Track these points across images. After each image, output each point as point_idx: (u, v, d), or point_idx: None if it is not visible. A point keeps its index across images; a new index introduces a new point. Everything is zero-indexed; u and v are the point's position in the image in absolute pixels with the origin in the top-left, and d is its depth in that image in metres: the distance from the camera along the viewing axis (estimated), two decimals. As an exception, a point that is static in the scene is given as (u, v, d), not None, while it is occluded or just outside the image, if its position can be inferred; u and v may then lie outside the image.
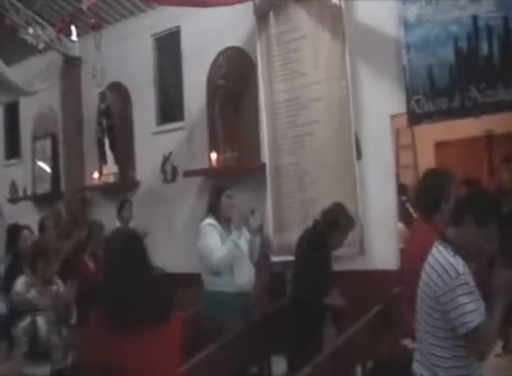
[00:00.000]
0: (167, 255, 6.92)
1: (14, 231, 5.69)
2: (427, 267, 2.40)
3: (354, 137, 5.32)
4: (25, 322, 3.66)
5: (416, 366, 2.45)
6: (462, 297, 2.21)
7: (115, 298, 2.41)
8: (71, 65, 8.28)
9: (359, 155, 5.38)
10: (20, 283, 3.84)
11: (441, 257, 2.33)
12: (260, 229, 4.68)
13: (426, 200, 3.27)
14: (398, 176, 5.97)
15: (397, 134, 5.75)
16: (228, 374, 4.01)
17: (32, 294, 3.79)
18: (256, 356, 4.50)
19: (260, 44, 6.04)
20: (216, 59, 6.66)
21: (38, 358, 3.72)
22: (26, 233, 5.57)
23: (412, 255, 3.03)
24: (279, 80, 5.89)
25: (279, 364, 4.30)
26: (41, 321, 3.69)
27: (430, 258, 2.40)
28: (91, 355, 2.50)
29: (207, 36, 6.63)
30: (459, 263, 2.27)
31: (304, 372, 3.09)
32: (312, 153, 5.62)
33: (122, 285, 2.44)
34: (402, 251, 4.76)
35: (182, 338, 2.62)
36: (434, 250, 2.41)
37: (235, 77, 6.52)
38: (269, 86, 5.96)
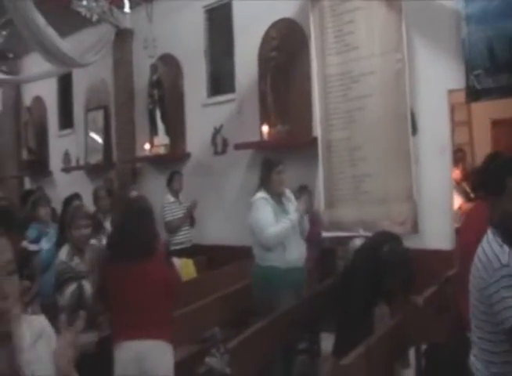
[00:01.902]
0: (217, 227, 7.02)
1: (67, 201, 5.81)
2: (475, 257, 2.26)
3: (409, 112, 5.19)
4: (71, 287, 3.71)
5: (471, 361, 2.34)
6: (505, 290, 2.06)
7: (114, 242, 3.62)
8: (123, 37, 8.31)
9: (414, 131, 5.24)
10: (64, 251, 3.90)
11: (487, 246, 2.19)
12: (306, 212, 4.65)
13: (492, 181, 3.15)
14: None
15: (452, 110, 5.56)
16: (277, 349, 4.05)
17: (75, 262, 3.86)
18: (305, 332, 4.52)
19: (313, 15, 5.90)
20: (268, 31, 6.55)
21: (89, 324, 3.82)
22: (76, 202, 5.68)
23: (470, 237, 2.93)
24: (332, 53, 5.76)
25: (328, 341, 4.29)
26: (86, 286, 3.77)
27: (479, 247, 2.25)
28: (101, 283, 3.59)
29: (259, 7, 6.52)
30: (504, 252, 2.11)
31: (357, 352, 3.09)
32: (365, 128, 5.50)
33: (120, 234, 3.63)
34: (457, 231, 4.68)
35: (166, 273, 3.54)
36: (484, 238, 2.25)
37: (287, 49, 6.42)
38: (322, 59, 5.84)
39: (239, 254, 5.56)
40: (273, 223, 4.26)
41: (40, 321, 1.78)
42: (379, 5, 5.39)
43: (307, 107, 6.11)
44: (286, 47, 6.42)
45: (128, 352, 3.46)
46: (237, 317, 4.70)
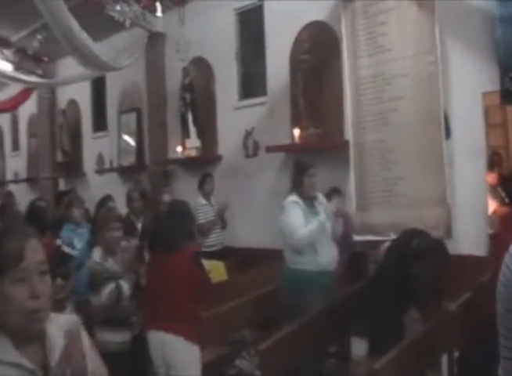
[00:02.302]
0: (248, 230, 7.03)
1: (101, 203, 5.90)
2: (503, 264, 2.18)
3: (443, 115, 5.11)
4: (109, 288, 3.76)
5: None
6: None
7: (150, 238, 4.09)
8: (155, 40, 8.40)
9: (448, 133, 5.16)
10: (97, 253, 3.95)
11: None
12: (338, 215, 4.63)
13: None
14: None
15: (486, 112, 5.46)
16: (307, 352, 4.04)
17: (110, 263, 3.92)
18: (335, 336, 4.50)
19: (345, 17, 5.85)
20: (299, 34, 6.54)
21: (119, 324, 3.87)
22: (109, 204, 5.77)
23: (505, 243, 2.86)
24: (364, 55, 5.71)
25: (358, 345, 4.26)
26: (124, 286, 3.82)
27: (507, 254, 2.18)
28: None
29: (291, 10, 6.52)
30: None
31: (389, 356, 3.06)
32: (397, 131, 5.43)
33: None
34: (490, 236, 4.59)
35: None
36: None
37: (318, 52, 6.40)
38: (354, 61, 5.79)
39: (270, 257, 5.56)
40: (303, 226, 4.26)
41: (71, 320, 1.81)
42: (412, 6, 5.32)
43: (338, 110, 6.08)
44: (317, 49, 6.41)
45: (153, 341, 3.76)
46: (267, 320, 4.71)
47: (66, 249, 5.44)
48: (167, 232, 3.88)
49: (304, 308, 4.19)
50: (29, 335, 1.59)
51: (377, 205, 5.50)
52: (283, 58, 6.66)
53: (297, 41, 6.57)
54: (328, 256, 4.37)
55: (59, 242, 5.51)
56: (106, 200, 5.99)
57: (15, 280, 1.53)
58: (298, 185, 4.46)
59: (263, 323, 4.74)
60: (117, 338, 3.85)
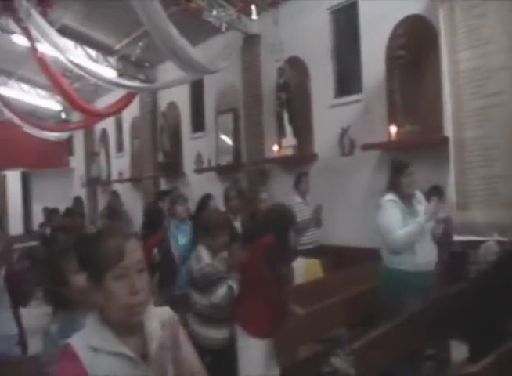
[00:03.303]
0: (344, 228, 7.01)
1: (203, 200, 6.08)
2: None
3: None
4: (223, 289, 3.87)
5: None
6: None
7: None
8: (251, 42, 8.57)
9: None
10: (204, 253, 4.04)
11: None
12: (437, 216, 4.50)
13: None
14: None
15: None
16: (402, 353, 3.98)
17: (215, 263, 4.02)
18: (433, 338, 4.40)
19: (442, 10, 5.69)
20: (395, 29, 6.41)
21: (221, 321, 3.99)
22: (212, 202, 5.93)
23: None
24: (463, 48, 5.53)
25: (458, 349, 4.14)
26: (234, 286, 3.92)
27: None
28: None
29: (385, 5, 6.43)
30: None
31: (487, 361, 2.96)
32: (500, 126, 5.22)
33: None
34: None
35: None
36: None
37: (415, 46, 6.24)
38: (452, 55, 5.62)
39: (366, 256, 5.52)
40: (401, 226, 4.19)
41: (167, 312, 1.93)
42: (512, -3, 5.10)
43: (437, 106, 5.91)
44: (414, 44, 6.24)
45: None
46: (363, 319, 4.68)
47: (174, 246, 5.69)
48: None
49: (401, 308, 4.12)
50: (129, 327, 1.73)
51: (478, 204, 5.31)
52: (378, 54, 6.57)
53: (393, 37, 6.45)
54: (426, 256, 4.26)
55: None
56: (207, 198, 6.14)
57: (116, 277, 1.67)
58: (396, 184, 4.38)
59: (359, 322, 4.72)
60: (219, 334, 3.99)
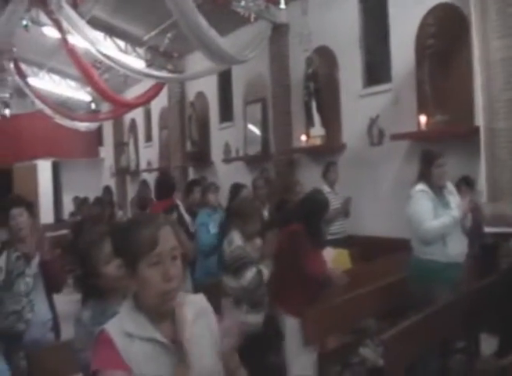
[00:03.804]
0: (372, 219, 6.99)
1: (236, 189, 6.10)
2: None
3: None
4: (252, 272, 3.92)
5: None
6: None
7: None
8: (279, 32, 8.52)
9: None
10: (237, 237, 4.09)
11: None
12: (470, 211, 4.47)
13: None
14: None
15: None
16: (431, 345, 3.98)
17: (248, 248, 4.07)
18: (463, 331, 4.37)
19: (474, -2, 5.61)
20: (425, 18, 6.32)
21: (257, 306, 4.06)
22: (244, 191, 5.95)
23: None
24: (495, 37, 5.41)
25: (488, 342, 4.11)
26: (264, 271, 3.97)
27: None
28: None
29: (415, -7, 6.35)
30: None
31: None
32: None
33: None
34: None
35: None
36: None
37: (445, 35, 6.15)
38: (484, 44, 5.51)
39: (394, 247, 5.50)
40: (432, 217, 4.16)
41: (200, 299, 1.96)
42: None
43: (468, 95, 5.81)
44: (444, 33, 6.15)
45: None
46: (392, 310, 4.67)
47: (203, 231, 5.71)
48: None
49: (431, 299, 4.11)
50: (162, 313, 1.76)
51: (509, 195, 5.24)
52: (407, 43, 6.49)
53: (423, 26, 6.36)
54: (457, 247, 4.23)
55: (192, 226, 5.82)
56: (239, 187, 6.12)
57: (150, 264, 1.70)
58: (426, 175, 4.33)
59: (387, 313, 4.71)
60: (252, 319, 4.04)
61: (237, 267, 3.98)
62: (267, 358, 4.00)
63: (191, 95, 11.75)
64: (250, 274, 3.91)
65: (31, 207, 4.25)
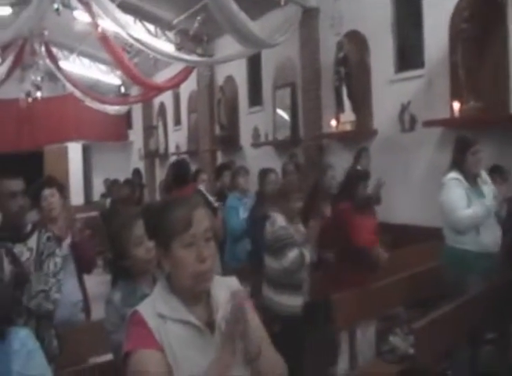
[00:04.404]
0: (404, 206, 6.92)
1: (264, 174, 6.09)
2: None
3: None
4: (294, 253, 3.92)
5: None
6: None
7: None
8: (309, 16, 8.41)
9: None
10: (280, 218, 4.07)
11: None
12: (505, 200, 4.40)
13: None
14: None
15: None
16: (463, 335, 3.95)
17: (291, 229, 4.06)
18: (495, 322, 4.33)
19: (510, -20, 5.47)
20: (459, 2, 6.16)
21: (296, 289, 4.08)
22: (272, 176, 5.94)
23: None
24: (532, 21, 5.31)
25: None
26: (306, 253, 3.98)
27: None
28: None
29: (450, -23, 6.20)
30: None
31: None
32: None
33: None
34: None
35: None
36: None
37: (480, 19, 5.96)
38: (520, 29, 5.41)
39: (426, 235, 5.47)
40: (465, 206, 4.10)
41: (233, 281, 1.95)
42: None
43: (503, 81, 5.70)
44: (479, 17, 5.97)
45: None
46: (423, 299, 4.65)
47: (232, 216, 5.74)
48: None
49: (463, 289, 4.08)
50: (196, 295, 1.77)
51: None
52: (441, 28, 6.36)
53: (457, 10, 6.21)
54: (490, 237, 4.18)
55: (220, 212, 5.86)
56: (266, 172, 6.08)
57: (184, 244, 1.71)
58: (460, 162, 4.27)
59: (418, 302, 4.70)
60: (291, 301, 4.06)
61: (279, 247, 3.98)
62: (301, 343, 4.01)
63: (220, 79, 11.71)
64: (292, 255, 3.91)
65: (62, 188, 4.33)
